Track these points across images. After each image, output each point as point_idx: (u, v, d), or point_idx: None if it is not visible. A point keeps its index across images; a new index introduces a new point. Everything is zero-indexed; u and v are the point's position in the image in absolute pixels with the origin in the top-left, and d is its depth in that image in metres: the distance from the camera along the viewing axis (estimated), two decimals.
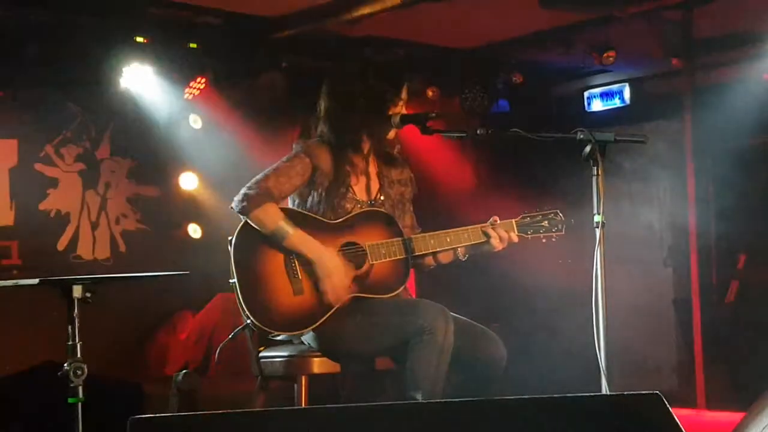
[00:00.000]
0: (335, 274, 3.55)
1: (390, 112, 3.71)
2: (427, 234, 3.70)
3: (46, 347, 4.84)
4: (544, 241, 3.80)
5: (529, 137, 3.48)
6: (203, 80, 6.32)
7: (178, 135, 6.59)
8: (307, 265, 3.57)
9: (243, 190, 3.60)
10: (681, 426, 2.52)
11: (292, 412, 2.59)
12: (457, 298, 3.90)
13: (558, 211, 3.81)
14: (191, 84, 6.30)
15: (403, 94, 3.75)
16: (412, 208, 3.93)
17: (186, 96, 6.34)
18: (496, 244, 3.71)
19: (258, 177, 3.64)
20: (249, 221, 3.59)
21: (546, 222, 3.79)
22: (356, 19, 5.88)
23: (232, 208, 3.62)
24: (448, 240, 3.70)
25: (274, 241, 3.57)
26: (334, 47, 6.14)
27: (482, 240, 3.71)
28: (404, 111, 3.76)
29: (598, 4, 5.83)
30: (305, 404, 3.61)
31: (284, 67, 6.49)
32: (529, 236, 3.78)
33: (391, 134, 3.78)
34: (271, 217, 3.57)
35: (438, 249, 3.70)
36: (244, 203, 3.57)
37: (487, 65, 7.06)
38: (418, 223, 3.92)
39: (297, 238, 3.56)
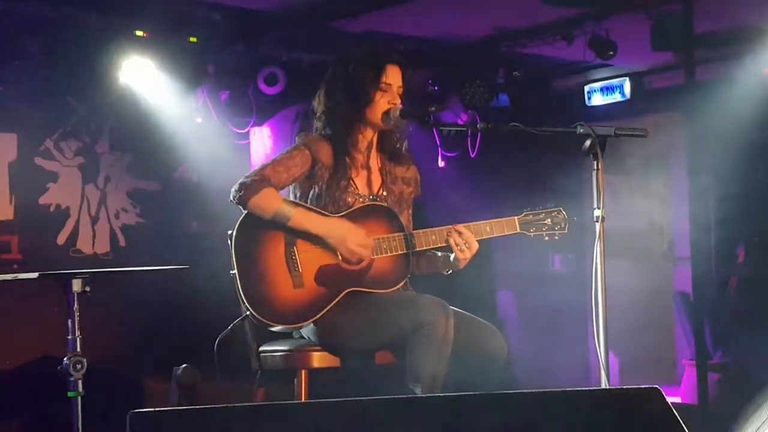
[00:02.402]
0: (349, 235, 3.53)
1: (377, 97, 3.65)
2: (428, 230, 3.67)
3: (46, 341, 4.85)
4: (546, 239, 3.76)
5: (530, 131, 3.47)
6: (203, 74, 6.32)
7: (178, 129, 6.59)
8: (312, 250, 3.55)
9: (240, 180, 3.57)
10: (680, 420, 2.52)
11: (291, 406, 2.59)
12: (457, 292, 3.88)
13: (561, 209, 3.73)
14: (192, 78, 6.30)
15: (385, 77, 3.66)
16: (410, 210, 3.87)
17: (186, 90, 6.33)
18: (459, 255, 3.62)
19: (256, 168, 3.63)
20: (249, 210, 3.56)
21: (549, 220, 3.71)
22: (356, 14, 5.88)
23: (231, 200, 3.60)
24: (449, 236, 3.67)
25: (276, 226, 3.54)
26: (334, 42, 6.13)
27: (483, 236, 3.68)
28: (398, 102, 3.68)
29: None
30: (305, 398, 3.61)
31: (284, 61, 6.48)
32: (532, 234, 3.72)
33: (385, 125, 3.68)
34: (270, 201, 3.53)
35: (439, 245, 3.67)
36: (241, 192, 3.53)
37: (488, 60, 7.05)
38: (415, 223, 3.87)
39: (299, 216, 3.54)
